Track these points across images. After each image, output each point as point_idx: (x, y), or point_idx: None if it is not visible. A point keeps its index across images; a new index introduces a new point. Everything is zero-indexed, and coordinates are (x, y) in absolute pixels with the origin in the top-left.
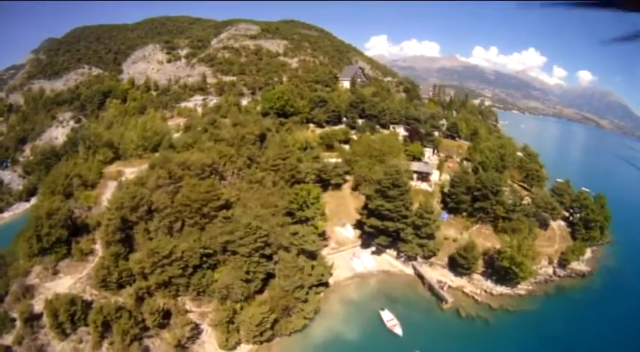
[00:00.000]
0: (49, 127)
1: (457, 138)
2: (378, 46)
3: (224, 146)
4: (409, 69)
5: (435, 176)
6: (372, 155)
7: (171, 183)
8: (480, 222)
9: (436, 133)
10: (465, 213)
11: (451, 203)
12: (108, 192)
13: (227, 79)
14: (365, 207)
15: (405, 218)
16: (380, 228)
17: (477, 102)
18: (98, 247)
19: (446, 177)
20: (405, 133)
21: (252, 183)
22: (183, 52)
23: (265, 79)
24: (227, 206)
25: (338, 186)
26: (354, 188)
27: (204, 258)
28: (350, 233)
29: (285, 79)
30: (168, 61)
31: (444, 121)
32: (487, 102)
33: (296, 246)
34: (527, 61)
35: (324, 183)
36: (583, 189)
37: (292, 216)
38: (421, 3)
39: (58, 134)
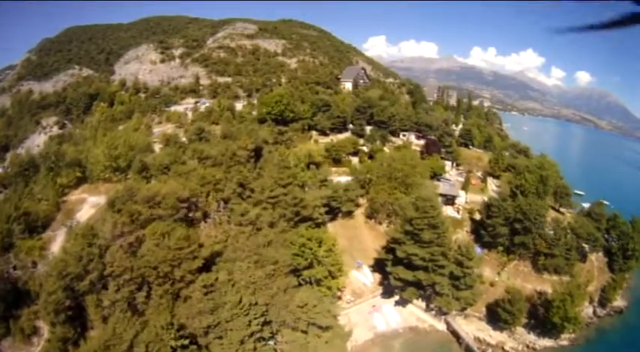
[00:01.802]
0: (32, 133)
1: (471, 147)
2: (376, 47)
3: (209, 167)
4: (407, 70)
5: (461, 199)
6: (392, 176)
7: (135, 230)
8: (518, 257)
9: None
10: (501, 248)
11: (486, 236)
12: (62, 236)
13: (222, 80)
14: (389, 250)
15: (442, 268)
16: (409, 281)
17: (476, 103)
18: (43, 325)
19: (473, 198)
20: (417, 141)
21: (242, 225)
22: (177, 52)
23: (263, 80)
24: (208, 264)
25: (349, 214)
26: (369, 216)
27: (180, 350)
28: (368, 278)
29: (283, 80)
30: (162, 62)
31: (454, 127)
32: (486, 104)
33: (305, 321)
34: (525, 62)
35: (334, 211)
36: (603, 201)
37: (298, 273)
38: (420, 3)
39: (40, 141)
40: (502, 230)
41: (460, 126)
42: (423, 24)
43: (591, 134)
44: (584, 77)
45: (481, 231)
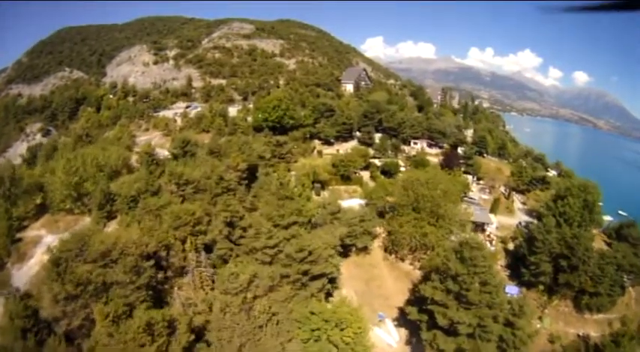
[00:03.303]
0: (15, 141)
1: (485, 155)
2: (374, 48)
3: (189, 195)
4: (406, 71)
5: (492, 225)
6: (419, 207)
7: (85, 304)
8: (560, 297)
9: (461, 150)
10: (541, 287)
11: (527, 275)
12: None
13: (216, 82)
14: (422, 309)
15: (490, 332)
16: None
17: (475, 103)
18: None
19: (502, 221)
20: (430, 150)
21: (229, 293)
22: (171, 53)
23: (259, 82)
24: None
25: (364, 249)
26: (389, 250)
27: None
28: (393, 336)
29: (281, 81)
30: (155, 63)
31: (464, 132)
32: (485, 104)
33: None
34: (522, 62)
35: (346, 249)
36: (620, 212)
37: None
38: (417, 4)
39: (23, 150)
40: (546, 267)
41: (470, 131)
42: (421, 24)
43: (590, 134)
44: (581, 77)
45: (522, 269)
